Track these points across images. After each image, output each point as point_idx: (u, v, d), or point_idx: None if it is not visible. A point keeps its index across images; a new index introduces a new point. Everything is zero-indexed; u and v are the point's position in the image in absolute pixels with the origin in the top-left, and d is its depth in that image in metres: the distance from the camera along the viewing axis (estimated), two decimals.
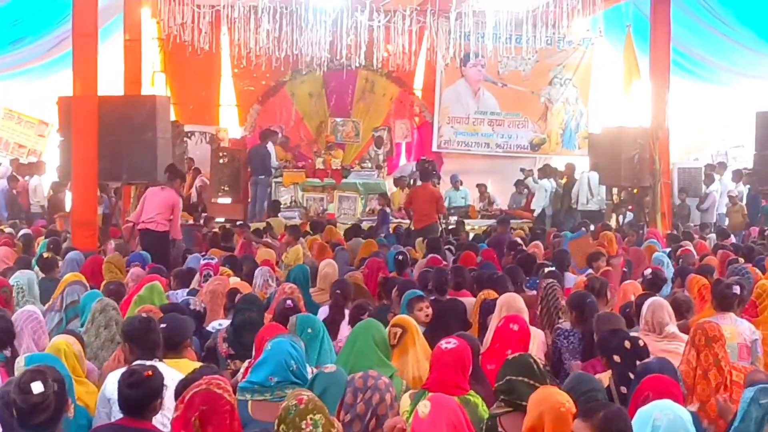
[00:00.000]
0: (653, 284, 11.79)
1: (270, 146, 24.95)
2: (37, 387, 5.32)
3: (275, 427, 5.31)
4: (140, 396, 6.23)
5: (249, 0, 24.77)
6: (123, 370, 6.82)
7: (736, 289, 9.92)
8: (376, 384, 6.12)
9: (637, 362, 7.50)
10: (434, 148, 28.92)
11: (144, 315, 8.34)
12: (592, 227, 20.63)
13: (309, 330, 8.49)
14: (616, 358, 7.64)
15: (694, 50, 24.00)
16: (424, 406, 5.40)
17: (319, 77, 28.34)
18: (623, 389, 7.32)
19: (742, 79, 25.42)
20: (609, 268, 13.72)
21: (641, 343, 7.84)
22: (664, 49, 22.27)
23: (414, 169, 25.69)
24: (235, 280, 12.10)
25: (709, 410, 7.20)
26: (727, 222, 24.01)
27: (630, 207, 23.13)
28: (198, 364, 7.61)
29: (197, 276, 12.95)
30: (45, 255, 14.21)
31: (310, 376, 7.02)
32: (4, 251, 14.88)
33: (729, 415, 6.74)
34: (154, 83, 26.21)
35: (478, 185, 27.14)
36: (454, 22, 25.35)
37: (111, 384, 7.00)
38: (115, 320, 9.11)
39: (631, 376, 7.28)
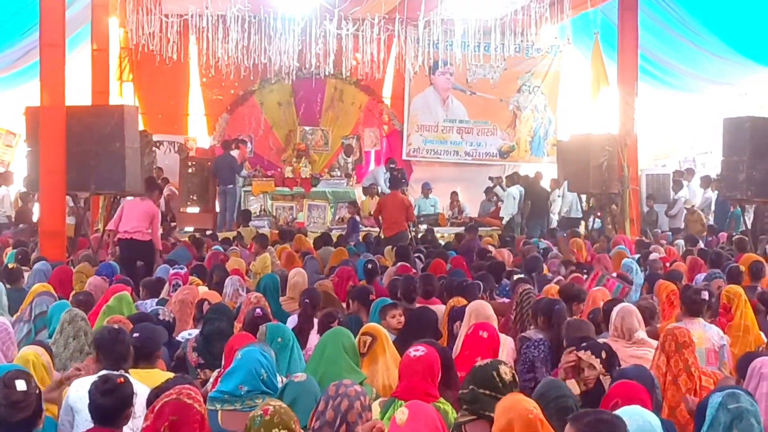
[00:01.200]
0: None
1: (234, 153, 24.81)
2: (20, 385, 5.42)
3: None
4: (114, 404, 6.21)
5: (217, 9, 24.85)
6: (88, 378, 6.87)
7: (705, 295, 9.99)
8: (347, 391, 6.09)
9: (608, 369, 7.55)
10: (404, 157, 28.89)
11: (115, 326, 8.34)
12: (564, 234, 20.75)
13: (279, 339, 8.50)
14: (604, 354, 7.67)
15: (661, 57, 24.14)
16: (401, 413, 5.43)
17: (288, 86, 28.39)
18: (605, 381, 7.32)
19: (709, 86, 25.54)
20: (578, 274, 13.78)
21: (609, 350, 7.89)
22: (632, 56, 22.42)
23: (385, 171, 25.77)
24: (203, 290, 12.10)
25: (678, 416, 7.23)
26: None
27: (599, 213, 23.20)
28: (169, 374, 7.62)
29: (166, 286, 12.93)
30: (10, 265, 14.22)
31: (280, 386, 7.06)
32: None
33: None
34: (122, 93, 26.22)
35: (451, 193, 27.19)
36: (422, 31, 25.55)
37: (74, 392, 7.04)
38: (84, 331, 9.08)
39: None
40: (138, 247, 16.73)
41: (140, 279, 13.48)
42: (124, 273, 14.07)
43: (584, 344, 7.95)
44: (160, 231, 17.79)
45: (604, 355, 7.70)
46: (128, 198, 18.15)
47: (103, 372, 6.72)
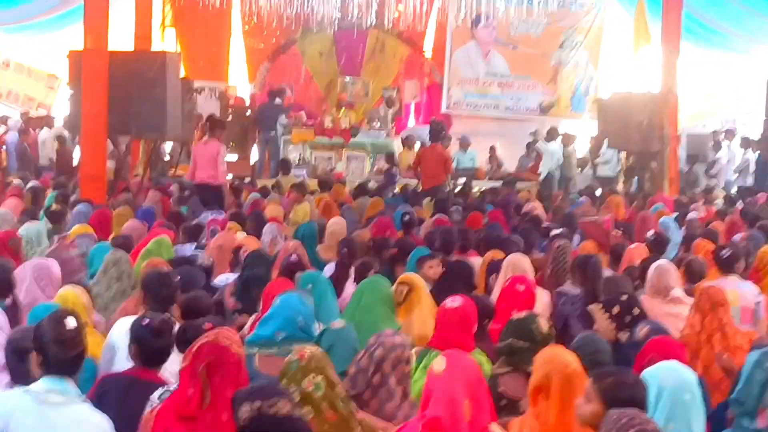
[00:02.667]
0: (657, 246, 11.83)
1: (279, 105, 24.84)
2: (71, 322, 5.38)
3: (279, 380, 5.37)
4: (163, 345, 6.35)
5: None
6: (130, 318, 6.93)
7: (727, 252, 10.01)
8: (384, 341, 6.10)
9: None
10: (443, 110, 28.79)
11: (164, 269, 8.43)
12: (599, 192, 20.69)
13: (309, 286, 8.56)
14: (616, 309, 7.68)
15: (706, 16, 23.91)
16: (439, 363, 5.32)
17: (330, 36, 28.29)
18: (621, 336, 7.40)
19: (755, 46, 25.31)
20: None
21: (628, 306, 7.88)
22: (676, 15, 22.22)
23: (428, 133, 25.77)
24: (241, 236, 12.13)
25: (712, 374, 7.23)
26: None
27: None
28: None
29: (205, 231, 13.00)
30: (53, 207, 14.27)
31: (317, 333, 7.09)
32: (14, 202, 14.89)
33: (732, 372, 6.78)
34: (165, 39, 26.20)
35: (490, 148, 26.96)
36: None
37: (118, 332, 7.12)
38: (128, 273, 9.20)
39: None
40: (210, 191, 17.41)
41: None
42: (229, 216, 14.31)
43: (603, 299, 8.00)
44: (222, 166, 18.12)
45: (616, 310, 7.75)
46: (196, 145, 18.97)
47: (150, 313, 6.79)
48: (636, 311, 7.68)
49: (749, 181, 24.06)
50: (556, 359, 5.68)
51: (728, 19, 24.14)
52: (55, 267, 9.10)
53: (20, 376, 5.91)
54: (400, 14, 27.04)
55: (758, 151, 22.46)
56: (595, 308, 7.85)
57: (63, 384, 5.30)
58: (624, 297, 7.96)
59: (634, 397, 5.16)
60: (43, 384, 5.30)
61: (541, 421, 5.56)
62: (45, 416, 5.19)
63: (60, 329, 5.36)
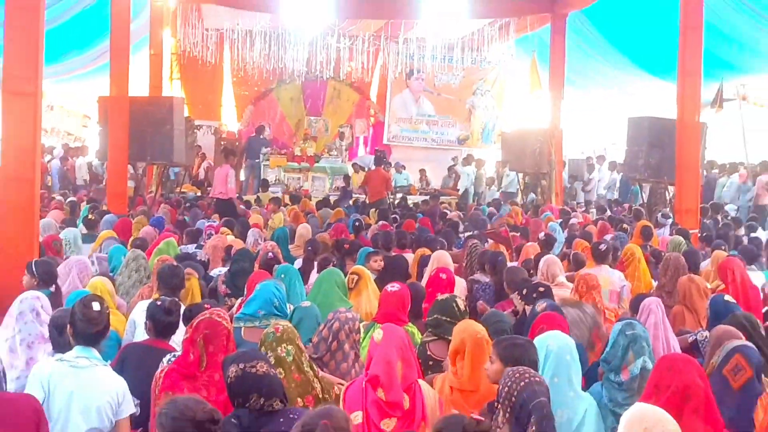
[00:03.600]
0: (546, 244, 11.93)
1: (261, 139, 24.90)
2: (96, 306, 5.47)
3: (259, 347, 5.40)
4: (171, 321, 6.39)
5: (246, 25, 25.03)
6: (147, 301, 6.96)
7: (603, 246, 10.17)
8: (339, 317, 6.17)
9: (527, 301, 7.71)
10: (385, 142, 28.73)
11: (174, 263, 8.42)
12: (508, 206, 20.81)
13: (282, 276, 8.61)
14: (524, 290, 7.77)
15: (582, 69, 24.01)
16: (378, 333, 5.43)
17: (299, 86, 28.21)
18: (527, 307, 7.47)
19: (616, 93, 25.48)
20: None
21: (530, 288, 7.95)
22: (560, 68, 22.35)
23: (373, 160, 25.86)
24: (231, 238, 12.15)
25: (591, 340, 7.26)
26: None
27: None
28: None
29: (203, 234, 13.04)
30: (90, 216, 14.31)
31: (289, 311, 7.14)
32: (56, 213, 14.98)
33: (603, 339, 6.84)
34: (172, 87, 26.03)
35: (420, 170, 27.04)
36: (401, 46, 25.68)
37: (138, 311, 7.17)
38: (144, 267, 9.23)
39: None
40: (223, 205, 17.90)
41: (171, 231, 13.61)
42: (222, 223, 14.34)
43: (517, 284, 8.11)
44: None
45: (524, 291, 7.84)
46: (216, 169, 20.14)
47: (162, 297, 6.80)
48: (541, 289, 7.77)
49: (615, 195, 24.26)
50: (469, 329, 5.74)
51: (597, 72, 24.27)
52: (90, 264, 9.16)
53: (59, 346, 5.95)
54: (351, 69, 27.17)
55: (621, 173, 22.53)
56: (511, 293, 7.98)
57: (89, 352, 5.37)
58: (532, 281, 8.07)
59: (526, 357, 5.21)
60: (74, 352, 5.38)
61: (458, 376, 5.62)
62: (75, 376, 5.26)
63: (87, 310, 5.44)
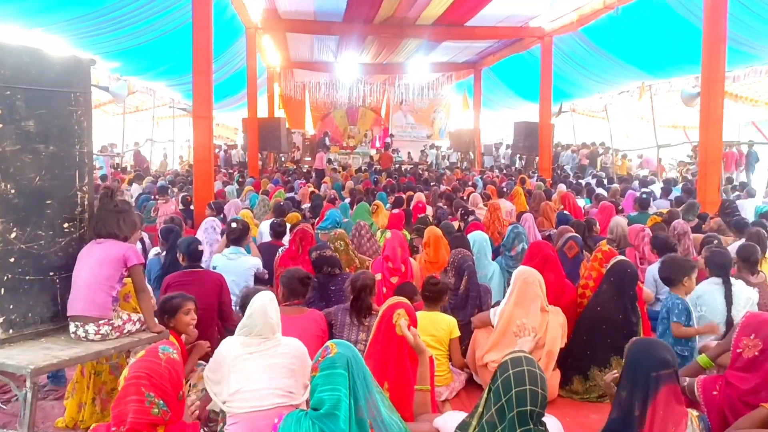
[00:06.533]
0: (474, 187, 11.75)
1: (326, 139, 24.64)
2: (234, 224, 5.45)
3: (330, 243, 5.34)
4: (283, 230, 6.34)
5: (316, 78, 24.59)
6: (269, 221, 6.89)
7: (504, 188, 9.98)
8: (362, 224, 6.20)
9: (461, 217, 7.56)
10: (388, 139, 28.40)
11: (282, 202, 8.31)
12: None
13: (340, 206, 8.51)
14: (461, 212, 7.63)
15: (492, 97, 23.52)
16: (388, 234, 5.43)
17: (344, 110, 27.77)
18: (462, 223, 7.26)
19: (508, 109, 24.96)
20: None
21: (464, 209, 7.79)
22: (479, 97, 22.14)
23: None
24: (311, 189, 11.94)
25: (495, 235, 7.12)
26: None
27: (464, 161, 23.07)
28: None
29: (296, 188, 12.74)
30: (240, 180, 14.13)
31: (343, 223, 7.07)
32: (222, 179, 14.41)
33: (502, 234, 6.80)
34: (279, 111, 25.74)
35: (407, 152, 26.34)
36: (397, 88, 25.29)
37: (265, 226, 7.09)
38: (267, 204, 9.01)
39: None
40: (321, 172, 17.79)
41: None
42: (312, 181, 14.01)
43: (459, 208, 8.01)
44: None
45: (461, 212, 7.77)
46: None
47: (278, 219, 6.75)
48: (470, 211, 7.70)
49: (508, 162, 24.00)
50: (433, 231, 5.69)
51: (501, 100, 23.81)
52: (240, 203, 9.15)
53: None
54: (371, 101, 26.75)
55: (510, 150, 22.19)
56: (455, 213, 7.91)
57: (236, 249, 5.33)
58: (462, 209, 8.01)
59: (463, 244, 5.20)
60: (229, 249, 5.35)
61: (428, 255, 5.56)
62: (229, 262, 5.22)
63: (231, 224, 5.43)
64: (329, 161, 21.47)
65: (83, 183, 3.48)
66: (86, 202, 3.49)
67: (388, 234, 5.42)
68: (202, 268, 4.62)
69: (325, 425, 2.13)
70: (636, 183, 12.83)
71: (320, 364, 2.21)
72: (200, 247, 4.63)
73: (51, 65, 3.36)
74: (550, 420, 2.21)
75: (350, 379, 2.16)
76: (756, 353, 2.37)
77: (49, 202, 3.33)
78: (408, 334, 2.92)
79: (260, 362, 2.81)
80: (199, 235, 6.22)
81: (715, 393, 2.50)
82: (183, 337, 3.57)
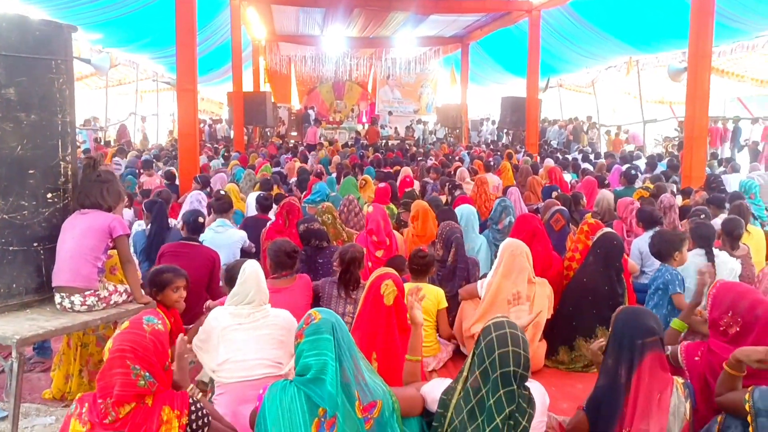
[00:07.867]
0: (461, 162, 11.76)
1: (311, 112, 24.42)
2: (221, 195, 5.62)
3: (318, 216, 5.33)
4: (270, 203, 6.30)
5: (302, 52, 24.25)
6: (255, 194, 6.85)
7: (491, 162, 9.97)
8: (350, 198, 6.19)
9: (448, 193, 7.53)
10: (376, 113, 28.04)
11: (269, 176, 8.28)
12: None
13: (327, 180, 8.46)
14: (447, 186, 7.64)
15: (479, 72, 23.40)
16: (371, 207, 5.41)
17: (330, 84, 27.51)
18: (449, 197, 7.34)
19: (496, 84, 24.83)
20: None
21: (453, 186, 7.80)
22: (466, 72, 22.05)
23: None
24: (298, 164, 11.87)
25: (483, 209, 7.14)
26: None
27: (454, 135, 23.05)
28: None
29: (283, 162, 12.75)
30: (225, 154, 14.07)
31: (330, 196, 7.05)
32: (208, 153, 14.34)
33: (489, 210, 6.83)
34: (265, 86, 25.42)
35: (394, 127, 26.17)
36: (384, 62, 24.99)
37: (251, 200, 7.01)
38: (253, 178, 8.95)
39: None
40: (312, 146, 17.70)
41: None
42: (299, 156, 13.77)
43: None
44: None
45: (448, 187, 7.79)
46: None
47: (263, 192, 6.71)
48: (456, 185, 7.72)
49: (494, 137, 23.97)
50: (421, 204, 5.71)
51: (489, 75, 23.71)
52: (226, 177, 9.08)
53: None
54: (357, 75, 26.40)
55: (497, 126, 22.18)
56: (442, 188, 7.93)
57: (223, 222, 5.36)
58: (449, 183, 8.01)
59: (450, 216, 5.22)
60: (216, 222, 5.37)
61: (416, 228, 5.57)
62: (217, 235, 5.23)
63: (219, 195, 5.45)
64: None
65: (66, 153, 3.41)
66: (69, 172, 3.42)
67: (371, 207, 5.39)
68: (199, 242, 4.59)
69: (311, 390, 2.11)
70: (618, 158, 12.88)
71: (305, 331, 2.18)
72: (201, 219, 4.59)
73: (31, 31, 3.26)
74: (533, 384, 2.24)
75: (335, 343, 2.14)
76: (737, 329, 2.42)
77: (31, 171, 3.27)
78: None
79: (249, 333, 2.81)
80: (185, 208, 6.17)
81: (696, 359, 2.55)
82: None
